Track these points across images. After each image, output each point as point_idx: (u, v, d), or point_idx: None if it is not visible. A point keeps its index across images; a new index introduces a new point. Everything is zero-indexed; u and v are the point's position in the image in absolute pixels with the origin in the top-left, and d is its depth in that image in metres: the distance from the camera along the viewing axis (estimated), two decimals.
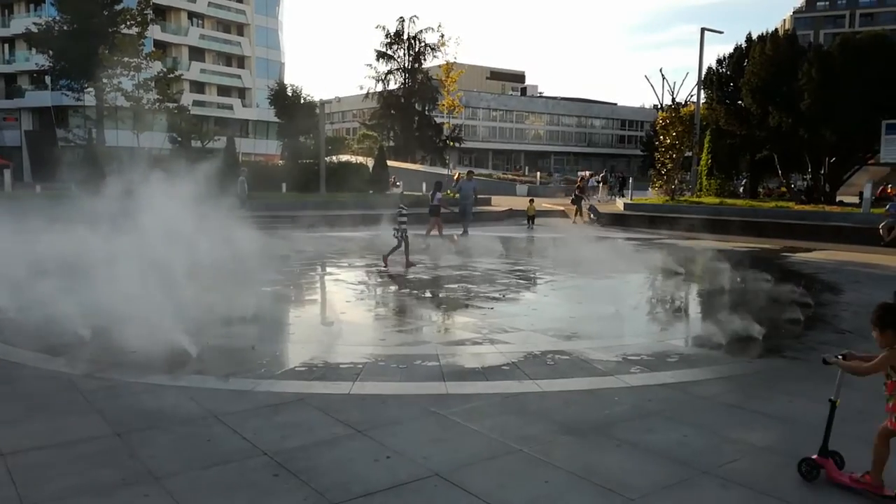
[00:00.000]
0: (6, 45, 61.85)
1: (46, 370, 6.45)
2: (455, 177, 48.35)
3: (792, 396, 5.98)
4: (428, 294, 11.32)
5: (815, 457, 4.28)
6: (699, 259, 16.36)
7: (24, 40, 49.49)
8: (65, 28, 39.67)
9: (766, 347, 7.81)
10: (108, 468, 4.34)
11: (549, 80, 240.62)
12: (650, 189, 35.61)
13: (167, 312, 7.28)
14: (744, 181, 37.09)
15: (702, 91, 32.59)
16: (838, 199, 30.17)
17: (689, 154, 32.74)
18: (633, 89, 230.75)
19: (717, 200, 29.54)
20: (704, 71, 32.55)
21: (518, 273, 13.89)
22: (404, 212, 13.92)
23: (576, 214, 27.55)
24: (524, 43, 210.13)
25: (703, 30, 33.26)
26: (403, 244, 13.89)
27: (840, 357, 4.19)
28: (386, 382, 6.27)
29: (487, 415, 5.40)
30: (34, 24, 43.78)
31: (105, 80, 36.07)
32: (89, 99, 40.55)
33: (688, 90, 54.31)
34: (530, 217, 23.82)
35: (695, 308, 11.58)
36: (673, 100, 33.94)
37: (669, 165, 31.04)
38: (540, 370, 6.67)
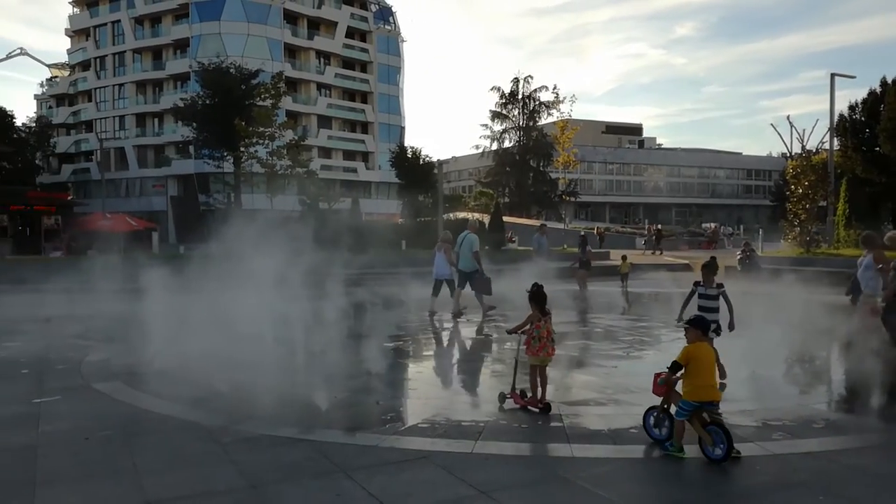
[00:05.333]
0: (156, 119, 68.40)
1: (187, 421, 6.83)
2: (597, 232, 48.50)
3: None
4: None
5: (508, 392, 7.33)
6: (842, 315, 15.15)
7: (172, 114, 54.54)
8: (207, 102, 43.45)
9: None
10: None
11: (668, 132, 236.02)
12: (782, 241, 33.84)
13: (298, 366, 7.58)
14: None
15: (834, 138, 30.87)
16: None
17: (824, 204, 30.88)
18: (758, 138, 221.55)
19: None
20: (836, 117, 30.88)
21: (641, 330, 13.42)
22: (705, 291, 8.52)
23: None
24: (640, 96, 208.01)
25: (832, 75, 31.70)
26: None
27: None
28: (509, 442, 6.17)
29: (617, 480, 5.18)
30: (181, 99, 48.36)
31: (242, 149, 38.93)
32: (228, 166, 43.87)
33: (818, 137, 51.56)
34: (623, 275, 21.69)
35: (839, 369, 10.69)
36: (803, 148, 32.33)
37: (803, 216, 29.36)
38: None
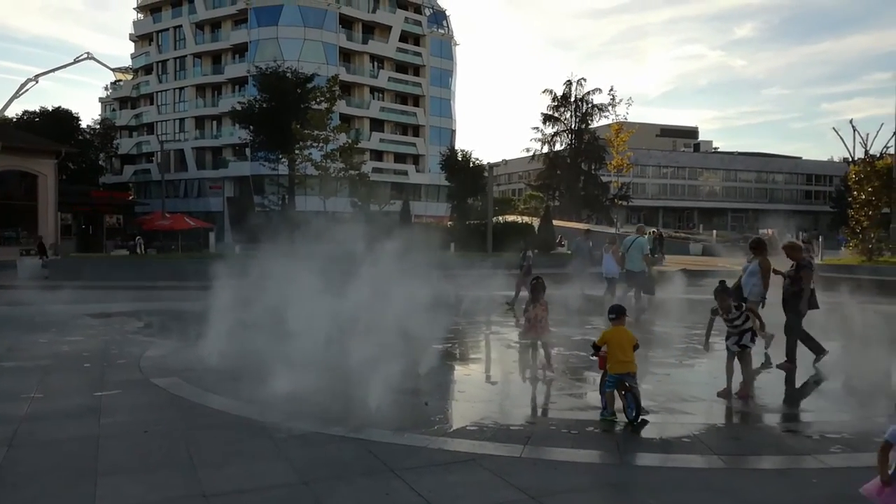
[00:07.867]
0: (214, 122, 70.18)
1: (242, 417, 7.00)
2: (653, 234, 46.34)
3: None
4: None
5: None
6: None
7: (230, 117, 55.84)
8: (263, 105, 44.38)
9: None
10: None
11: (725, 136, 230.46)
12: (843, 248, 32.82)
13: (349, 365, 7.71)
14: None
15: None
16: None
17: (888, 210, 29.79)
18: (819, 142, 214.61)
19: None
20: None
21: (695, 338, 13.14)
22: (727, 317, 8.01)
23: None
24: (697, 99, 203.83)
25: None
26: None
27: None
28: (558, 448, 6.13)
29: (667, 490, 5.11)
30: (238, 102, 49.49)
31: (297, 152, 39.61)
32: (282, 168, 44.69)
33: (882, 142, 49.80)
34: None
35: None
36: (866, 152, 31.23)
37: (865, 223, 28.40)
38: (724, 445, 6.23)
